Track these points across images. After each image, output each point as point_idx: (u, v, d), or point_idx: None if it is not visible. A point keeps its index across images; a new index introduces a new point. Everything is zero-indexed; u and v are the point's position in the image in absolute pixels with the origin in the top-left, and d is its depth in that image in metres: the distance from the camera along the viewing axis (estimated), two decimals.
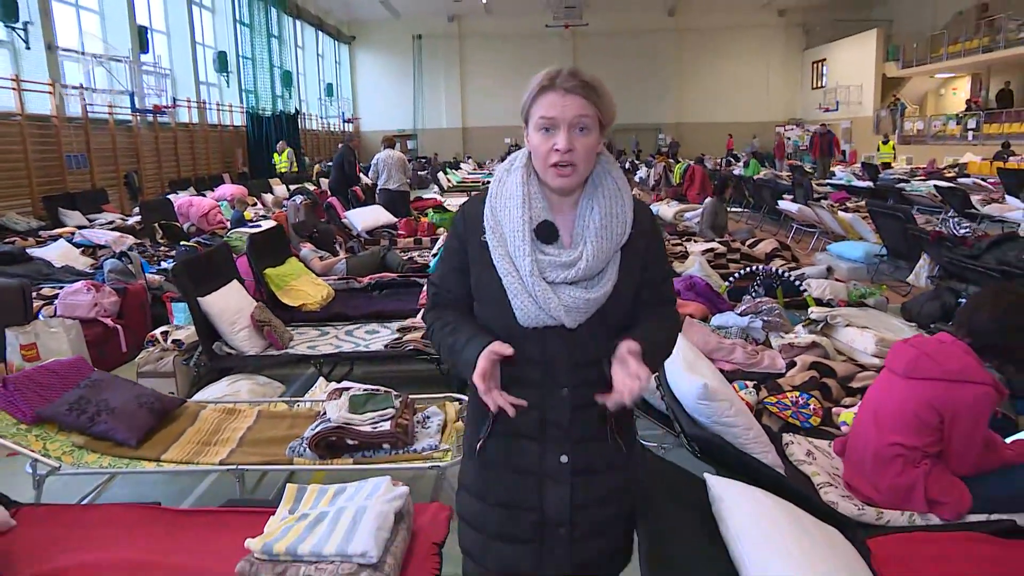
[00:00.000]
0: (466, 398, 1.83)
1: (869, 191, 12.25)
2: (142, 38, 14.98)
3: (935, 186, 10.65)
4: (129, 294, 5.18)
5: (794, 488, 2.21)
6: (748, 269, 5.01)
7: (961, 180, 13.16)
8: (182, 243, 7.62)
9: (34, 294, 5.14)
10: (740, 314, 4.01)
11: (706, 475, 1.90)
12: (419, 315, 4.25)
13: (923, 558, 1.96)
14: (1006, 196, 9.91)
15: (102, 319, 4.88)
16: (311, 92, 25.80)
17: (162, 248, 8.14)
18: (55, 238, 8.51)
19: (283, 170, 17.50)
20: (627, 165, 21.17)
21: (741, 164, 19.86)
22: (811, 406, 2.98)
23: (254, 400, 3.48)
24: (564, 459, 1.40)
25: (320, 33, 26.62)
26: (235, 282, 4.46)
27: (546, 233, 1.37)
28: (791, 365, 3.47)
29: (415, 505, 2.22)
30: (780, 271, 5.12)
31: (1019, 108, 21.01)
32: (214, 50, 18.77)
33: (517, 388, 1.37)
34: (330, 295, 5.25)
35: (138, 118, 14.52)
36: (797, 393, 3.07)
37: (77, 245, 7.93)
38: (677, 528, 1.76)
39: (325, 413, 2.89)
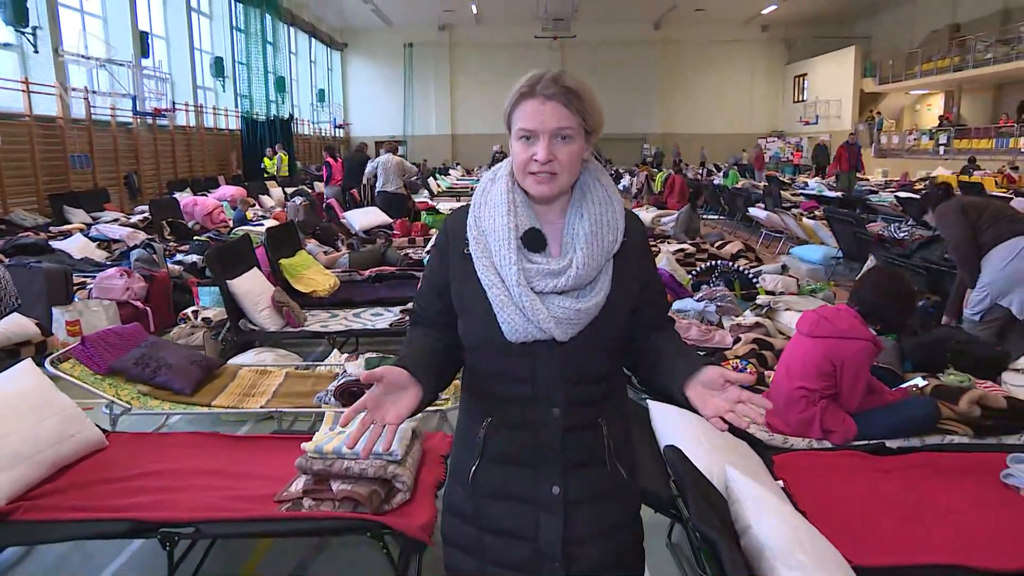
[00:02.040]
0: None
1: (839, 201, 12.99)
2: (143, 43, 15.40)
3: (896, 196, 11.39)
4: (155, 280, 5.74)
5: None
6: (709, 264, 5.66)
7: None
8: (195, 238, 8.17)
9: None
10: (697, 300, 4.65)
11: (648, 400, 2.52)
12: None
13: (812, 467, 2.60)
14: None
15: (132, 302, 5.44)
16: (303, 98, 26.29)
17: (172, 244, 8.68)
18: (65, 234, 9.02)
19: (273, 173, 17.95)
20: (612, 173, 21.89)
21: (721, 174, 20.61)
22: (747, 370, 3.62)
23: (281, 364, 4.07)
24: (556, 490, 1.32)
25: (313, 40, 27.15)
26: (256, 269, 5.05)
27: (533, 241, 1.31)
28: (737, 341, 4.10)
29: (425, 432, 2.83)
30: (739, 267, 5.78)
31: (986, 125, 21.96)
32: (211, 55, 19.21)
33: (505, 408, 1.33)
34: (336, 284, 5.84)
35: (138, 120, 14.95)
36: (738, 360, 3.71)
37: (93, 239, 8.46)
38: None
39: (345, 371, 3.49)
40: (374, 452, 2.34)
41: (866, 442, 2.79)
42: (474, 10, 26.64)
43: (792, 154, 27.88)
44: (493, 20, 28.56)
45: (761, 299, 4.64)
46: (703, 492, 1.68)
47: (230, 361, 4.16)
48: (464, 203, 1.42)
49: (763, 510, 1.59)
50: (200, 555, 2.60)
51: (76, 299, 5.38)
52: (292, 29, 24.45)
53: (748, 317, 4.42)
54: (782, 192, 13.81)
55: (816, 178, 19.78)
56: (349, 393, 3.33)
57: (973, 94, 23.95)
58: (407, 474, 2.39)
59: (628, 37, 30.15)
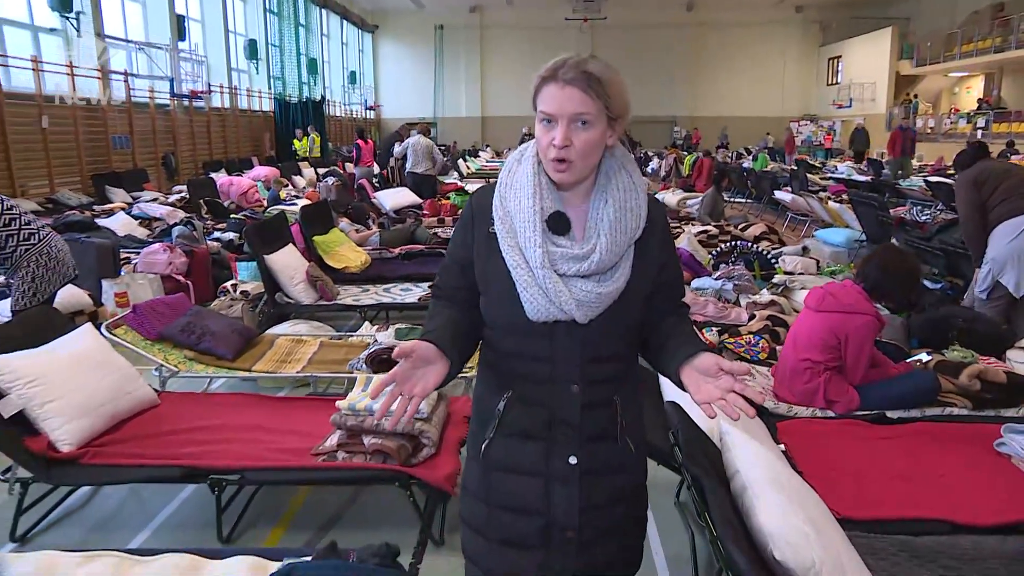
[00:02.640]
0: None
1: (868, 185, 12.90)
2: (180, 26, 15.71)
3: (925, 181, 11.30)
4: (195, 256, 6.02)
5: None
6: (730, 244, 5.78)
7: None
8: (231, 216, 8.47)
9: None
10: (715, 279, 4.78)
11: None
12: None
13: (812, 433, 2.75)
14: None
15: (175, 276, 5.73)
16: (335, 79, 26.57)
17: (209, 222, 8.98)
18: (108, 213, 9.38)
19: (304, 155, 18.22)
20: (641, 156, 21.89)
21: (751, 158, 20.48)
22: (761, 345, 3.76)
23: (316, 333, 4.31)
24: (573, 460, 1.37)
25: (345, 22, 27.36)
26: (291, 245, 5.28)
27: (558, 224, 1.34)
28: (752, 318, 4.24)
29: (450, 397, 3.03)
30: (760, 249, 5.89)
31: None
32: (245, 38, 19.48)
33: (524, 384, 1.37)
34: (367, 261, 6.07)
35: (176, 102, 15.32)
36: (752, 335, 3.85)
37: (135, 217, 8.81)
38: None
39: (376, 341, 3.71)
40: None
41: (867, 412, 2.93)
42: None
43: (824, 138, 27.45)
44: (524, 2, 28.50)
45: (778, 278, 4.77)
46: (696, 441, 1.86)
47: (268, 331, 4.41)
48: (491, 181, 1.45)
49: (750, 455, 1.75)
50: (244, 502, 2.85)
51: (122, 273, 5.69)
52: (324, 11, 24.68)
53: (764, 295, 4.54)
54: (811, 176, 13.75)
55: (848, 162, 19.55)
56: (380, 360, 3.54)
57: (1015, 76, 23.33)
58: (433, 431, 2.60)
59: (660, 19, 29.86)
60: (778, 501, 1.55)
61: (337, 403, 2.64)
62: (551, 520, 1.38)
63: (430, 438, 2.58)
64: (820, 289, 3.06)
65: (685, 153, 19.61)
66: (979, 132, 21.91)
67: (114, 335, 3.54)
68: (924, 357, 3.27)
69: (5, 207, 3.62)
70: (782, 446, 2.62)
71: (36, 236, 3.69)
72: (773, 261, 5.60)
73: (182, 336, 3.67)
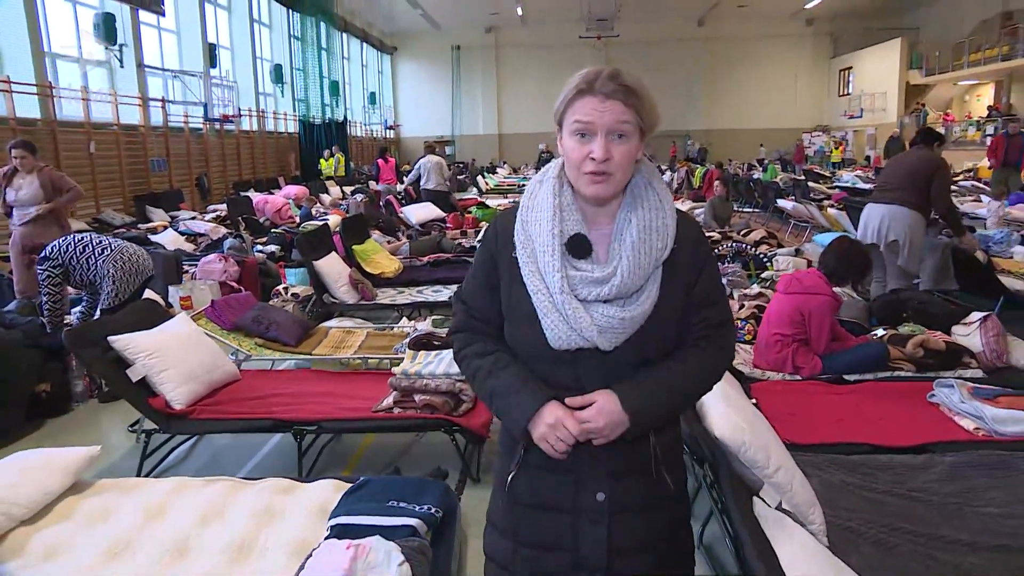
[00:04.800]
0: None
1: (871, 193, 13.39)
2: (211, 54, 16.65)
3: None
4: (246, 265, 6.71)
5: None
6: (727, 245, 6.39)
7: (962, 184, 14.26)
8: (272, 231, 9.20)
9: None
10: None
11: None
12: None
13: (779, 391, 3.35)
14: (980, 196, 11.10)
15: (229, 282, 6.42)
16: (356, 101, 27.49)
17: (249, 237, 9.72)
18: (151, 231, 10.16)
19: (329, 174, 19.02)
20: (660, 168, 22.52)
21: (761, 169, 21.04)
22: (747, 328, 4.35)
23: (362, 326, 4.97)
24: (601, 496, 1.31)
25: (364, 45, 28.32)
26: (334, 253, 5.96)
27: (578, 247, 1.28)
28: (742, 307, 4.83)
29: None
30: (757, 252, 6.49)
31: None
32: (271, 63, 20.42)
33: None
34: (400, 267, 6.74)
35: (208, 126, 16.19)
36: (740, 320, 4.44)
37: (181, 233, 9.59)
38: None
39: (416, 329, 4.35)
40: (445, 373, 3.20)
41: (828, 375, 3.52)
42: (519, 12, 27.46)
43: (835, 147, 27.88)
44: (538, 21, 29.36)
45: (767, 274, 5.37)
46: None
47: (321, 324, 5.07)
48: (514, 200, 1.65)
49: None
50: (317, 451, 3.50)
51: (182, 280, 6.39)
52: (345, 35, 25.59)
53: (753, 288, 5.13)
54: (817, 185, 14.30)
55: (858, 171, 20.02)
56: (421, 344, 4.17)
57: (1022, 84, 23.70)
58: (470, 389, 3.22)
59: (671, 34, 30.55)
60: (724, 408, 2.15)
61: (393, 370, 3.28)
62: (579, 559, 1.33)
63: (468, 395, 3.21)
64: (788, 275, 3.67)
65: (696, 166, 20.21)
66: (988, 139, 22.26)
67: (197, 325, 4.20)
68: (880, 332, 3.85)
69: (76, 239, 4.41)
70: (754, 400, 3.21)
71: (109, 247, 4.46)
72: (766, 262, 6.19)
73: (253, 326, 4.34)
